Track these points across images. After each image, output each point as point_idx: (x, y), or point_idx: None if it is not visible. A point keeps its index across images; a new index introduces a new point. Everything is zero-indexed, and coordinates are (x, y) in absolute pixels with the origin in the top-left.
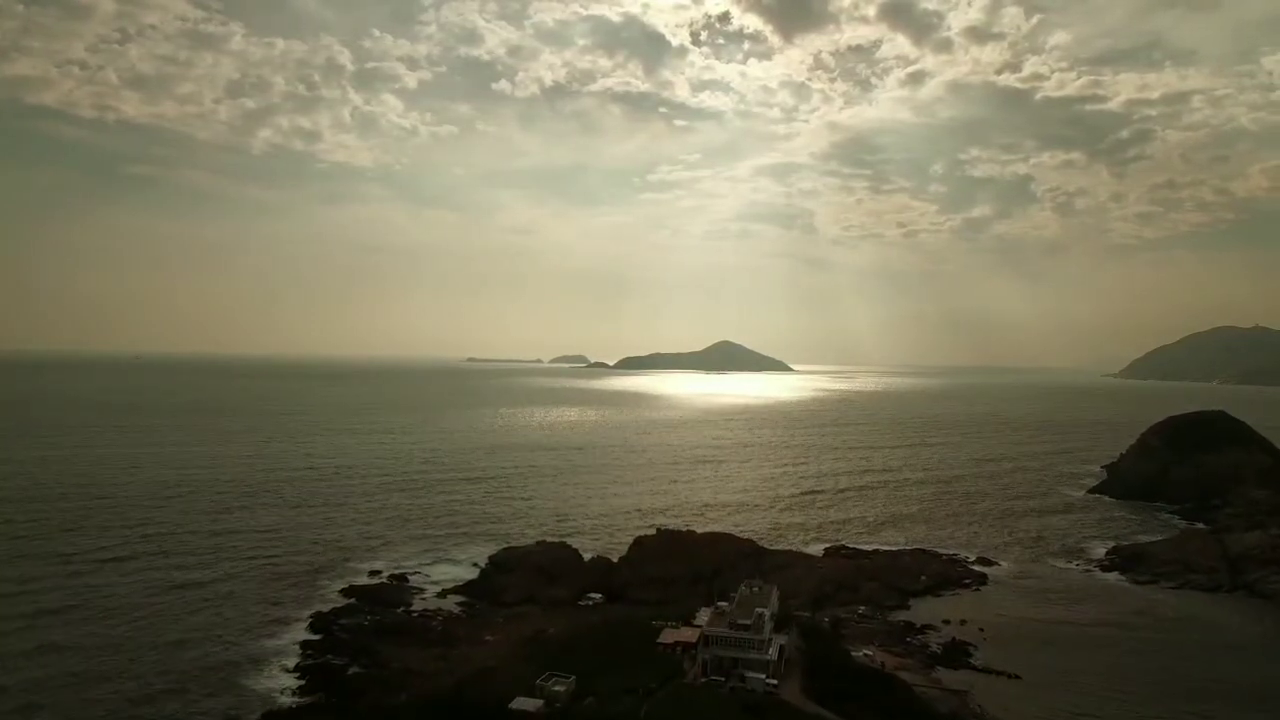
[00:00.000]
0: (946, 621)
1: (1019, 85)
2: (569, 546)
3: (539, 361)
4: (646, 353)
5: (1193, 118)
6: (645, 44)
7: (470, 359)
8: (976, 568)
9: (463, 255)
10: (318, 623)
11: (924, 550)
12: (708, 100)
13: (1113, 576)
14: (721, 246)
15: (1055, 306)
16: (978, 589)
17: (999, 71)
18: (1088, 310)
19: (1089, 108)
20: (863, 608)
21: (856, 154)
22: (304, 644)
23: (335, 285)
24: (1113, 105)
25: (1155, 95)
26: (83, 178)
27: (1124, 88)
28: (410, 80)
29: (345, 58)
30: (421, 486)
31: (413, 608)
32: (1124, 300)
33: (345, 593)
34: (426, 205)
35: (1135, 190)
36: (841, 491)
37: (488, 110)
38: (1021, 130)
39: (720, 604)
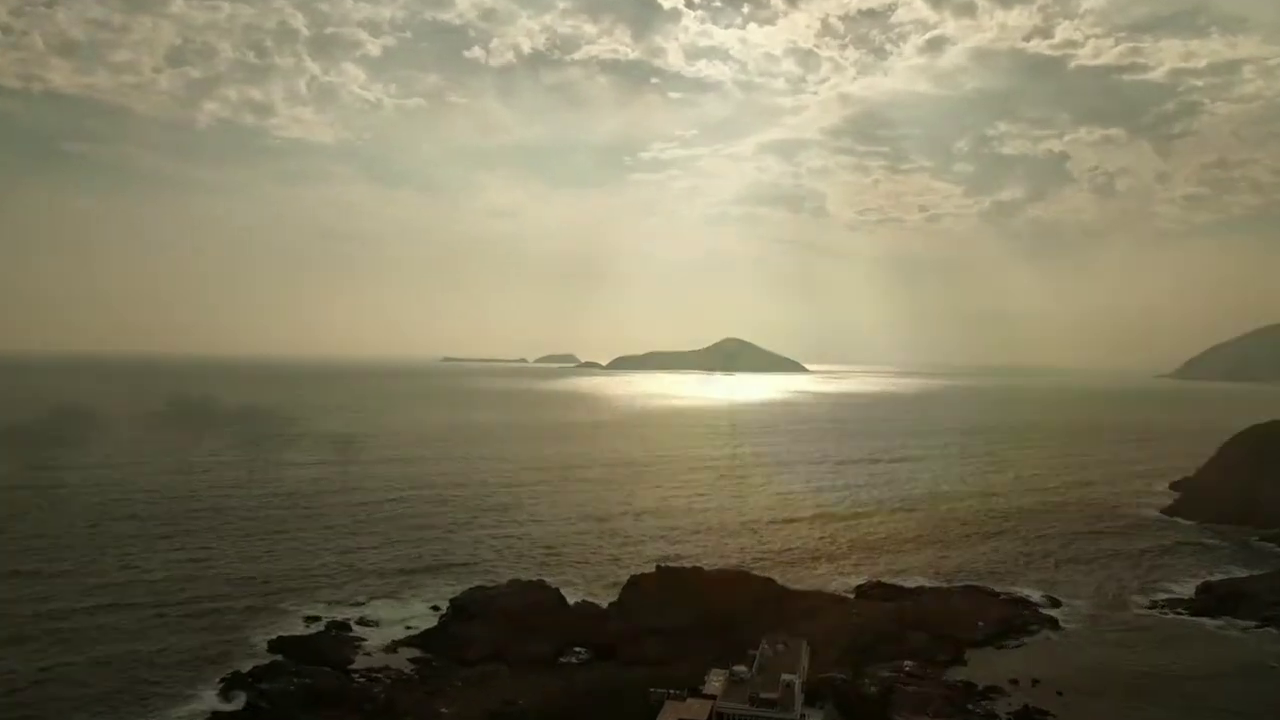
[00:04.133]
0: (1014, 681)
1: (1050, 53)
2: (549, 587)
3: (523, 361)
4: (643, 351)
5: (1244, 89)
6: (634, 6)
7: (446, 359)
8: (1043, 609)
9: (436, 242)
10: (233, 686)
11: (977, 588)
12: (705, 70)
13: (1209, 620)
14: (724, 232)
15: (1097, 299)
16: (1047, 636)
17: (1028, 38)
18: (1133, 303)
19: (1128, 78)
20: (909, 664)
21: (871, 129)
22: (212, 717)
23: (291, 275)
24: (1155, 75)
25: (1202, 64)
26: (6, 155)
27: (1167, 56)
28: (373, 47)
29: (300, 21)
30: (371, 508)
31: (353, 665)
32: (1173, 292)
33: (273, 645)
34: (393, 186)
35: (1183, 169)
36: (870, 514)
37: (460, 81)
38: (1054, 103)
39: (737, 669)
